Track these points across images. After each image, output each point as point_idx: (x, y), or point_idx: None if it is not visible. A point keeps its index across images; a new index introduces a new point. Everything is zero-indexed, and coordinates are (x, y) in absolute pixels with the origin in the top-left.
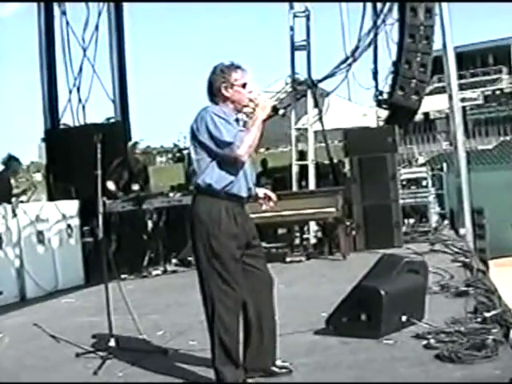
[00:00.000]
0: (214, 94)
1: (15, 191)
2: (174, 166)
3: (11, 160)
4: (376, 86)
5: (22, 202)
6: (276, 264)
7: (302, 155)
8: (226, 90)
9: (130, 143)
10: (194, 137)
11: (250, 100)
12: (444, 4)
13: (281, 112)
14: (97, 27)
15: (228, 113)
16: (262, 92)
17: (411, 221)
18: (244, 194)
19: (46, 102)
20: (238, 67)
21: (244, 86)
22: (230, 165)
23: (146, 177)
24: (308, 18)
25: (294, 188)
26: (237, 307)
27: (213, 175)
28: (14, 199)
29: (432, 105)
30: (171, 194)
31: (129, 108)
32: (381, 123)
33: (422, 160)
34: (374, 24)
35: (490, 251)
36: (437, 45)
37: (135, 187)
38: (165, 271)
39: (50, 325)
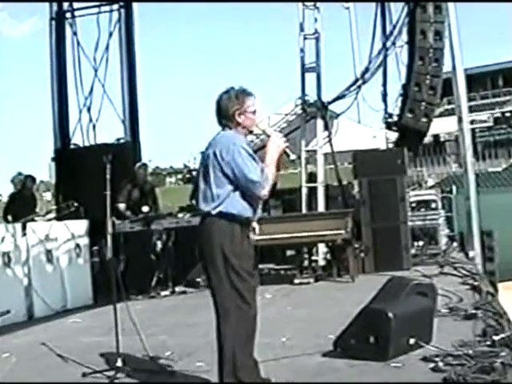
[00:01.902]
0: (228, 118)
1: (37, 210)
2: (184, 187)
3: (27, 179)
4: (385, 109)
5: (32, 220)
6: (284, 286)
7: (312, 177)
8: (239, 116)
9: (138, 164)
10: (216, 165)
11: (263, 131)
12: (453, 26)
13: (292, 157)
14: (107, 47)
15: (242, 138)
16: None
17: (420, 243)
18: (254, 218)
19: (56, 121)
20: (250, 94)
21: (254, 112)
22: (251, 196)
23: (155, 198)
24: (318, 39)
25: (304, 210)
26: (251, 323)
27: (236, 205)
28: (38, 218)
29: (442, 127)
30: (180, 215)
31: (139, 128)
32: (390, 145)
33: (431, 182)
34: (383, 46)
35: (500, 274)
36: (446, 67)
37: (145, 209)
38: (173, 292)
39: (57, 344)
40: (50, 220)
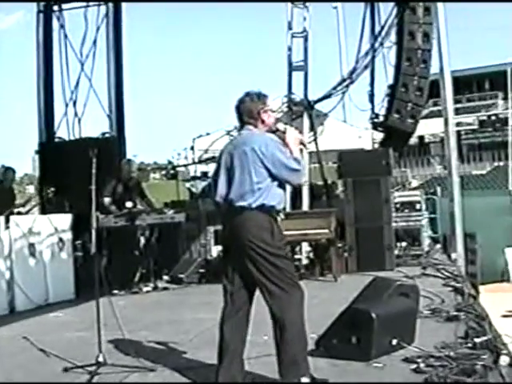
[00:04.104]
0: (254, 117)
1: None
2: (168, 183)
3: (7, 170)
4: (372, 109)
5: (19, 213)
6: None
7: None
8: (264, 114)
9: (124, 160)
10: (257, 160)
11: (278, 129)
12: (442, 28)
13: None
14: (95, 42)
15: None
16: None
17: (403, 244)
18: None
19: (41, 114)
20: (267, 95)
21: (272, 111)
22: (282, 186)
23: (141, 192)
24: (306, 38)
25: (288, 208)
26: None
27: (275, 197)
28: (16, 210)
29: (427, 128)
30: (166, 211)
31: (124, 123)
32: (376, 146)
33: (415, 183)
34: (371, 46)
35: (482, 276)
36: (433, 69)
37: (129, 204)
38: (155, 288)
39: (39, 338)
40: (29, 210)
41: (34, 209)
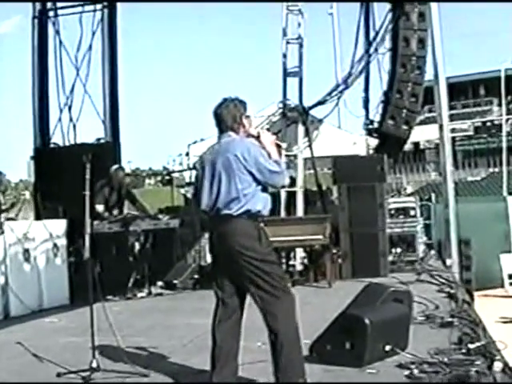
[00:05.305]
0: (237, 122)
1: (3, 207)
2: (163, 189)
3: None
4: (367, 115)
5: (11, 219)
6: None
7: (291, 182)
8: (245, 119)
9: (113, 167)
10: (241, 166)
11: (252, 135)
12: (436, 34)
13: (284, 145)
14: (90, 47)
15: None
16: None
17: (398, 250)
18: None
19: (36, 119)
20: (245, 101)
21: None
22: (266, 190)
23: (133, 199)
24: (301, 45)
25: (282, 214)
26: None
27: (261, 200)
28: (2, 215)
29: (422, 135)
30: (160, 217)
31: (119, 129)
32: (371, 152)
33: (410, 189)
34: (365, 52)
35: (476, 282)
36: (428, 75)
37: (115, 212)
38: (150, 293)
39: (33, 344)
40: (16, 215)
41: (21, 213)
